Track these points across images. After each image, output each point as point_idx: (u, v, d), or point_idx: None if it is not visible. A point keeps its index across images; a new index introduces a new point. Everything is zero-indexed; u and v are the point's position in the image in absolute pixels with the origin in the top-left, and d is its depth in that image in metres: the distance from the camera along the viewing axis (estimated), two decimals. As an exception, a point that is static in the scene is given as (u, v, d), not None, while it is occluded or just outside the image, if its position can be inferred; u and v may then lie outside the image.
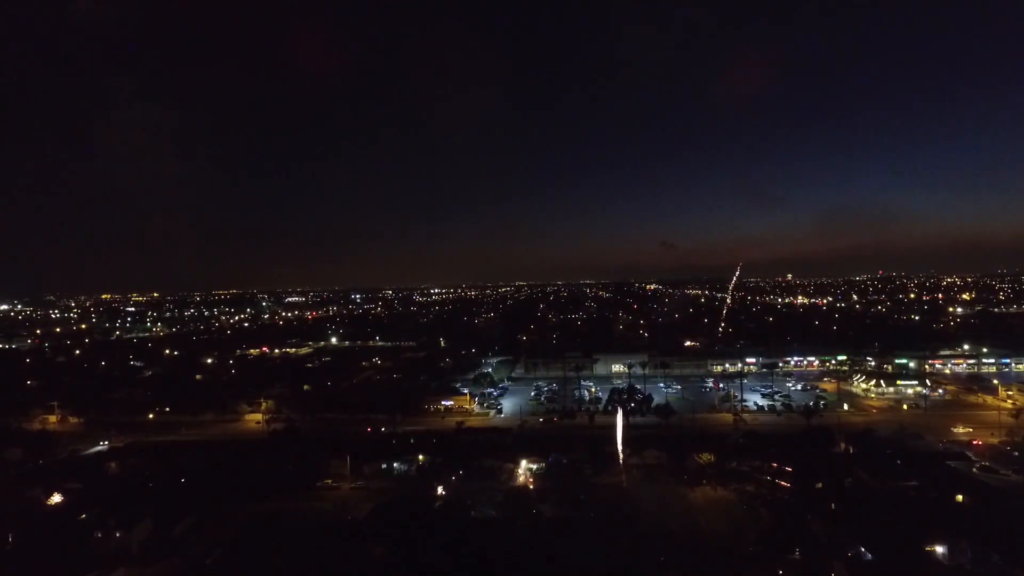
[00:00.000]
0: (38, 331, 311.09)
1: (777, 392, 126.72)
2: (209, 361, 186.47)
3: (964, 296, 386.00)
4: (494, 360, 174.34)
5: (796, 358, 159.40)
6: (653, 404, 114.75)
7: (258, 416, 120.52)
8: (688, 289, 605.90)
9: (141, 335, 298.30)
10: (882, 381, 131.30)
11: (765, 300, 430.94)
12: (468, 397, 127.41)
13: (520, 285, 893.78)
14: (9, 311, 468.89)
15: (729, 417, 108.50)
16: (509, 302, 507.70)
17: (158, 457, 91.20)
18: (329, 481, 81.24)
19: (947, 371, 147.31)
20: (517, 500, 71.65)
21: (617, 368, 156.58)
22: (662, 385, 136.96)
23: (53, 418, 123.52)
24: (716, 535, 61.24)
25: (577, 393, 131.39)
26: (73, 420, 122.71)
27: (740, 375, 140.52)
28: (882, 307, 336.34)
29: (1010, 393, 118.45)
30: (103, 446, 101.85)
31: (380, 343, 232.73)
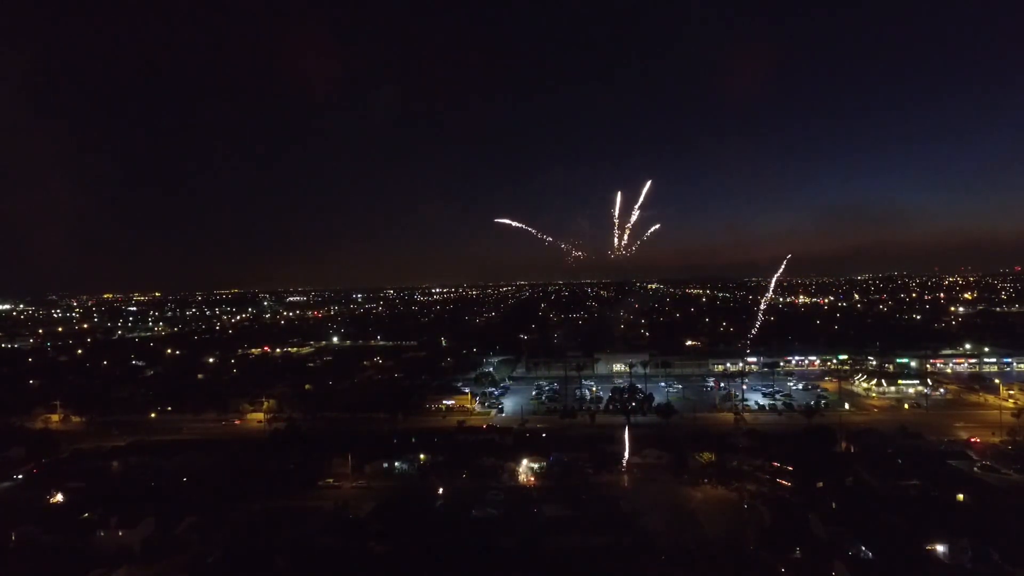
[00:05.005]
0: (40, 331, 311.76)
1: (778, 391, 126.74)
2: (211, 360, 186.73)
3: (966, 295, 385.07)
4: (495, 359, 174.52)
5: (797, 357, 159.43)
6: (654, 403, 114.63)
7: (260, 415, 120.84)
8: (689, 288, 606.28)
9: (143, 334, 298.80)
10: (883, 380, 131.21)
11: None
12: (469, 396, 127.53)
13: (521, 284, 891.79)
14: (11, 311, 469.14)
15: (730, 416, 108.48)
16: (510, 301, 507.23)
17: (160, 456, 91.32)
18: (330, 480, 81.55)
19: (948, 370, 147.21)
20: (518, 500, 71.84)
21: (618, 367, 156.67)
22: (663, 384, 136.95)
23: (55, 417, 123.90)
24: (716, 535, 61.37)
25: (578, 392, 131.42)
26: (75, 419, 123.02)
27: (741, 374, 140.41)
28: (884, 306, 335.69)
29: (1012, 392, 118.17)
30: (105, 445, 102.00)
31: (381, 342, 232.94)
